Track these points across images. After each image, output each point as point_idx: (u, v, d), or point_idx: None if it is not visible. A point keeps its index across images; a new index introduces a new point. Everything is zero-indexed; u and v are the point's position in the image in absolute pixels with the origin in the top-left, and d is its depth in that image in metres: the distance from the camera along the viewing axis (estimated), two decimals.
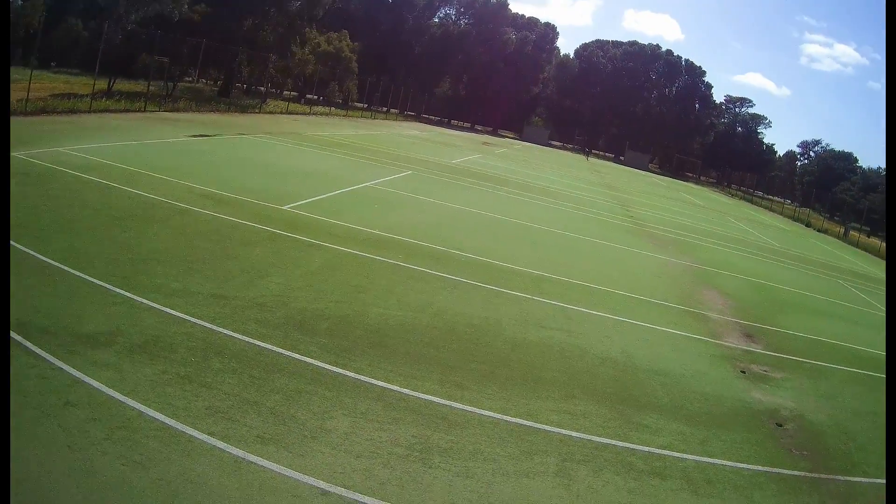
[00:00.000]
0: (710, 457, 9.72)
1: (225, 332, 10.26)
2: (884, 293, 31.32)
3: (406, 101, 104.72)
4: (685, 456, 9.56)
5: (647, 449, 9.49)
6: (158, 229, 15.02)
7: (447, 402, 9.57)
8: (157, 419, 7.62)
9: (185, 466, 6.94)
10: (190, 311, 10.76)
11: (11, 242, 11.90)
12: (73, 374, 8.20)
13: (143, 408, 7.77)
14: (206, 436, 7.50)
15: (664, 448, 9.64)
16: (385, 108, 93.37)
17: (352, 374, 9.74)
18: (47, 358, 8.43)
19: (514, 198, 33.63)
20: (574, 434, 9.47)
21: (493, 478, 7.93)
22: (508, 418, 9.50)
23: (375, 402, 9.15)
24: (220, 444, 7.40)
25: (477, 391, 10.14)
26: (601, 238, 27.12)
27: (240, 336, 10.21)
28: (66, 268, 11.56)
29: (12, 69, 65.13)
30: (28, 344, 8.66)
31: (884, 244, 61.03)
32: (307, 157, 32.30)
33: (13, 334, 8.78)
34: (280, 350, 10.03)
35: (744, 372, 13.82)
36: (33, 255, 11.83)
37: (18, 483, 6.08)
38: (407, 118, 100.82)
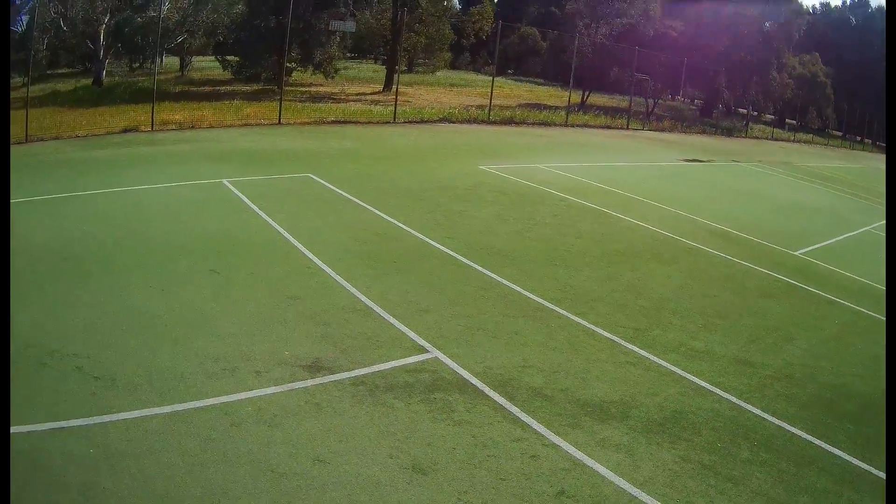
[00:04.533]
0: None
1: (753, 410, 8.48)
2: None
3: (880, 132, 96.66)
4: None
5: None
6: (668, 271, 13.89)
7: None
8: None
9: None
10: (715, 380, 9.16)
11: (481, 269, 12.08)
12: (573, 454, 6.90)
13: None
14: None
15: None
16: (859, 138, 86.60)
17: (877, 473, 7.49)
18: (540, 430, 7.26)
19: None
20: None
21: None
22: None
23: None
24: None
25: None
26: None
27: (769, 417, 8.36)
28: (560, 310, 10.74)
29: (462, 74, 69.20)
30: (514, 409, 7.62)
31: None
32: (804, 191, 29.43)
33: (494, 394, 7.90)
34: (809, 437, 8.02)
35: None
36: (515, 290, 11.33)
37: None
38: (879, 149, 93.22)
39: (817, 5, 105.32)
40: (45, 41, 31.42)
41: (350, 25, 40.37)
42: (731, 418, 8.20)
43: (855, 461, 7.72)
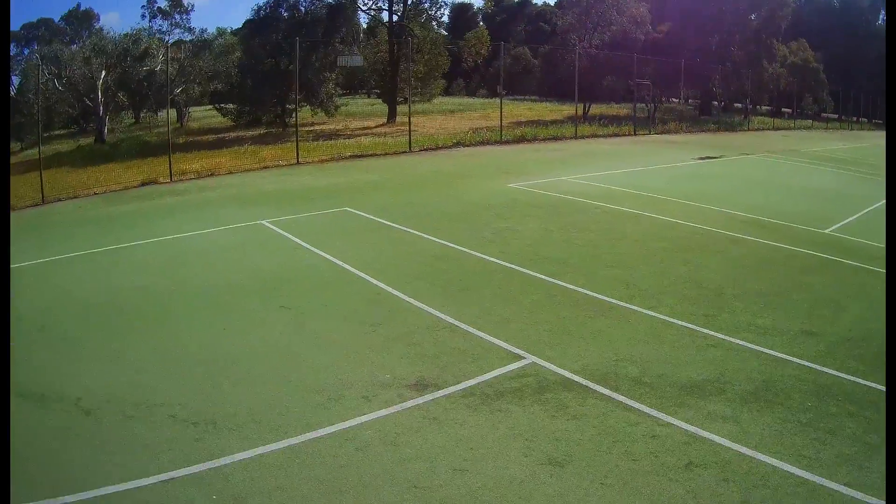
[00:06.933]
0: None
1: (830, 371, 9.10)
2: None
3: (875, 109, 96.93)
4: None
5: None
6: (717, 260, 14.47)
7: None
8: (794, 473, 6.64)
9: None
10: (790, 350, 9.74)
11: (544, 277, 12.59)
12: (688, 429, 7.44)
13: (775, 462, 6.82)
14: (843, 486, 6.47)
15: None
16: (855, 118, 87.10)
17: None
18: (652, 413, 7.77)
19: None
20: None
21: None
22: None
23: None
24: (856, 494, 6.35)
25: None
26: None
27: (844, 375, 8.98)
28: (632, 306, 11.31)
29: (458, 99, 70.24)
30: (622, 398, 8.13)
31: None
32: (816, 175, 30.07)
33: (599, 387, 8.38)
34: (883, 388, 8.54)
35: None
36: (583, 293, 11.85)
37: None
38: (876, 127, 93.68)
39: None
40: (39, 102, 31.46)
41: (358, 60, 40.89)
42: (813, 381, 8.78)
43: None
